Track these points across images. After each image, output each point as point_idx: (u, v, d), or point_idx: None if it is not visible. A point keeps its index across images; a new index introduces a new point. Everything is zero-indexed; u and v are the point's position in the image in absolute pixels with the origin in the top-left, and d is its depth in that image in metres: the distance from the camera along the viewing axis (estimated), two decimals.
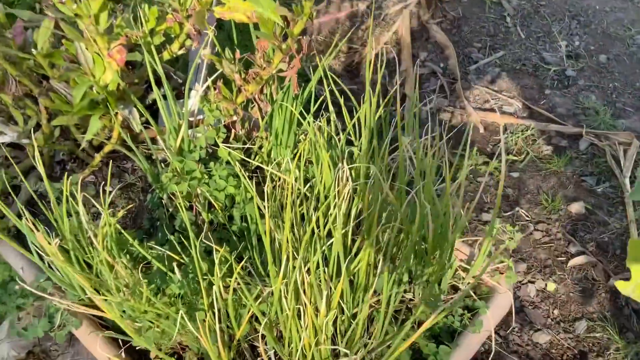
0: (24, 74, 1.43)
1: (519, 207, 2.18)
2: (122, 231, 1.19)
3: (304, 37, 1.10)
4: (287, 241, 1.01)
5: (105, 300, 1.07)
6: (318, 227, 1.12)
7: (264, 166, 1.34)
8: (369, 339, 1.17)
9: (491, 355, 1.78)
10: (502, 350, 1.84)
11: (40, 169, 1.14)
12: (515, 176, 2.29)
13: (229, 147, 1.36)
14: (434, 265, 1.16)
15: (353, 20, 3.06)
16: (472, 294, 1.27)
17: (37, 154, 1.14)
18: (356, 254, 1.15)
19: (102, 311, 1.14)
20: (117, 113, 1.33)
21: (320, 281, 1.07)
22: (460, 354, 1.19)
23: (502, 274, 1.29)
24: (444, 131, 1.38)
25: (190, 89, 1.33)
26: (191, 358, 1.19)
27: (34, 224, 1.12)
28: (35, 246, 1.21)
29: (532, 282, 2.01)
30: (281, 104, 1.32)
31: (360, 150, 1.31)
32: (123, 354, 1.21)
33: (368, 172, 1.25)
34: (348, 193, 1.09)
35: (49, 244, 1.06)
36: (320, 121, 1.32)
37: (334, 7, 3.08)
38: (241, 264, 1.07)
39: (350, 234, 1.17)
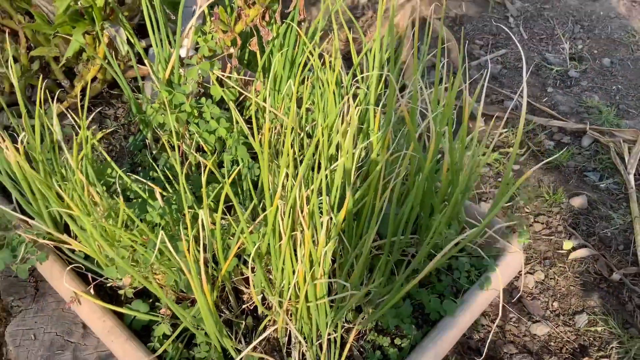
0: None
1: (519, 198, 2.09)
2: (101, 150, 1.07)
3: None
4: (287, 154, 0.90)
5: (78, 216, 0.94)
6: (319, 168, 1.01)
7: (261, 102, 1.23)
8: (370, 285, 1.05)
9: (490, 335, 1.67)
10: (499, 339, 1.72)
11: (18, 96, 1.01)
12: (515, 168, 2.20)
13: (222, 77, 1.25)
14: (443, 211, 1.05)
15: (353, 12, 3.01)
16: (481, 252, 1.16)
17: (15, 81, 1.01)
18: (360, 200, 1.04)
19: (72, 241, 1.01)
20: (103, 33, 1.21)
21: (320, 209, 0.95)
22: (466, 310, 1.07)
23: (515, 232, 1.19)
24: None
25: (185, 20, 1.23)
26: (169, 294, 1.06)
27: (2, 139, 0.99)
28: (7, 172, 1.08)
29: (531, 274, 1.90)
30: (284, 35, 1.22)
31: (367, 91, 1.20)
32: (92, 291, 1.07)
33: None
34: (353, 121, 0.98)
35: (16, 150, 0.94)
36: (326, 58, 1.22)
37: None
38: (230, 182, 0.94)
39: (353, 172, 1.06)
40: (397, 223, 1.03)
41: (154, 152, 1.33)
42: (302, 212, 0.89)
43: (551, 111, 2.41)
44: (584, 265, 1.90)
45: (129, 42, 1.23)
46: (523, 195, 1.23)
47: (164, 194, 1.10)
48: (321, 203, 0.96)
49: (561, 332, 1.75)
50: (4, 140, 0.96)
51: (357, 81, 1.28)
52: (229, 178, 0.90)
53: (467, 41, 2.79)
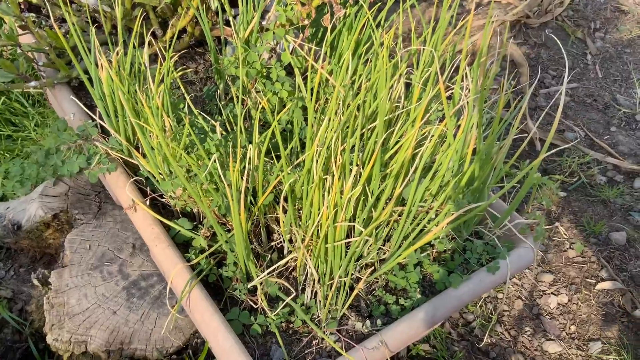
0: None
1: (559, 224, 2.13)
2: (179, 82, 1.23)
3: None
4: (330, 111, 1.03)
5: (145, 127, 1.10)
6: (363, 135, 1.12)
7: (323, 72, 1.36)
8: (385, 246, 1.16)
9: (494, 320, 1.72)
10: (510, 347, 1.78)
11: (119, 15, 1.20)
12: (561, 195, 2.24)
13: (292, 41, 1.40)
14: (467, 190, 1.15)
15: (434, 25, 3.10)
16: (496, 241, 1.25)
17: (119, 22, 1.19)
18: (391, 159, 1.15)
19: (139, 156, 1.18)
20: None
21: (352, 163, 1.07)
22: (469, 286, 1.16)
23: (532, 230, 1.26)
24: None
25: None
26: (208, 224, 1.21)
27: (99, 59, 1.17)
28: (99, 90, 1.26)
29: (555, 295, 1.94)
30: (355, 14, 1.35)
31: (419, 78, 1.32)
32: (147, 203, 1.24)
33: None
34: (398, 88, 1.10)
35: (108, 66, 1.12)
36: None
37: (420, 8, 3.13)
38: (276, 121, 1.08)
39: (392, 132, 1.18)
40: (421, 188, 1.13)
41: (223, 102, 1.49)
42: (335, 161, 1.01)
43: (610, 149, 2.43)
44: (609, 297, 1.93)
45: (222, 7, 1.40)
46: (545, 196, 1.30)
47: (223, 132, 1.25)
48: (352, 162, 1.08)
49: (572, 354, 1.79)
50: (101, 58, 1.14)
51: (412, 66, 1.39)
52: (277, 116, 1.04)
53: (540, 69, 2.83)
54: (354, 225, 1.12)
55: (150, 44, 1.65)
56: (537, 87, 2.76)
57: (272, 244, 1.25)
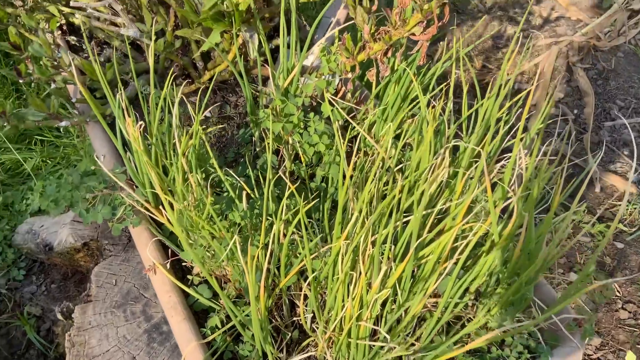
0: None
1: (613, 280, 1.97)
2: (206, 145, 1.16)
3: (447, 4, 1.02)
4: (364, 200, 0.94)
5: (170, 201, 1.04)
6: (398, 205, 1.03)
7: (361, 131, 1.27)
8: (414, 339, 1.07)
9: None
10: None
11: (150, 61, 1.13)
12: (619, 247, 2.08)
13: (334, 100, 1.30)
14: (509, 288, 1.04)
15: (496, 41, 2.94)
16: (539, 336, 1.14)
17: (151, 52, 1.13)
18: (428, 244, 1.05)
19: (162, 216, 1.12)
20: (238, 35, 1.31)
21: (382, 256, 0.98)
22: None
23: (580, 327, 1.15)
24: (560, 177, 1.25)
25: (314, 37, 1.29)
26: (230, 291, 1.15)
27: (127, 113, 1.11)
28: (123, 137, 1.21)
29: None
30: (404, 68, 1.24)
31: (466, 147, 1.21)
32: (168, 265, 1.19)
33: (469, 169, 1.15)
34: (441, 178, 0.99)
35: (134, 129, 1.06)
36: (435, 102, 1.24)
37: (481, 24, 2.96)
38: (307, 207, 1.00)
39: (429, 222, 1.07)
40: (458, 286, 1.03)
41: (257, 149, 1.42)
42: (363, 255, 0.93)
43: None
44: None
45: (260, 46, 1.32)
46: (599, 295, 1.18)
47: (252, 195, 1.18)
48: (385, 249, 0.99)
49: None
50: (129, 116, 1.08)
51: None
52: (306, 205, 0.96)
53: (607, 99, 2.63)
54: (380, 323, 1.03)
55: (190, 77, 1.59)
56: (602, 118, 2.57)
57: (295, 318, 1.18)
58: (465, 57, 1.37)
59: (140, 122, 1.03)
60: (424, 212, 0.99)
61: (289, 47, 1.37)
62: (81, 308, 1.51)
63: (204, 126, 1.47)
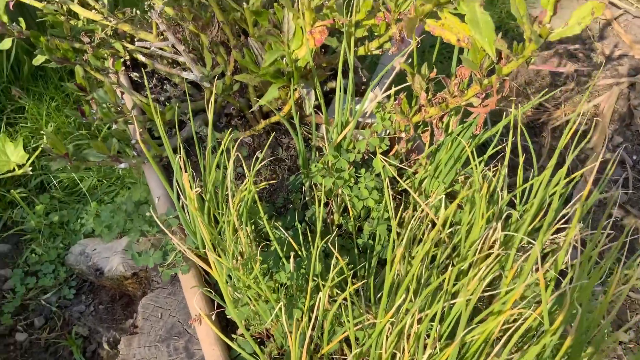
0: (228, 22, 1.48)
1: None
2: (257, 200, 1.18)
3: (507, 79, 1.01)
4: (411, 279, 0.93)
5: (218, 260, 1.06)
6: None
7: (411, 192, 1.26)
8: None
9: None
10: None
11: (209, 114, 1.16)
12: None
13: (385, 160, 1.30)
14: None
15: (554, 78, 2.87)
16: None
17: (212, 99, 1.16)
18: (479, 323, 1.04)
19: (210, 268, 1.14)
20: (295, 89, 1.32)
21: (428, 336, 0.98)
22: None
23: None
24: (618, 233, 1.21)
25: (370, 91, 1.29)
26: (272, 349, 1.16)
27: (184, 163, 1.14)
28: (178, 184, 1.24)
29: None
30: (455, 137, 1.23)
31: (520, 217, 1.18)
32: (213, 317, 1.21)
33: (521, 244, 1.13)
34: (493, 260, 0.98)
35: (191, 188, 1.08)
36: (489, 169, 1.22)
37: (539, 59, 2.90)
38: (355, 286, 1.00)
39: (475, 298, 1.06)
40: None
41: (307, 197, 1.43)
42: (407, 336, 0.92)
43: None
44: None
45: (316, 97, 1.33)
46: None
47: (299, 253, 1.19)
48: (431, 328, 0.98)
49: None
50: (186, 171, 1.11)
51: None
52: (353, 285, 0.96)
53: None
54: None
55: (246, 118, 1.62)
56: None
57: None
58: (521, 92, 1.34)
59: (196, 189, 1.05)
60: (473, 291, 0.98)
61: (345, 91, 1.37)
62: (127, 340, 1.55)
63: (255, 179, 1.49)
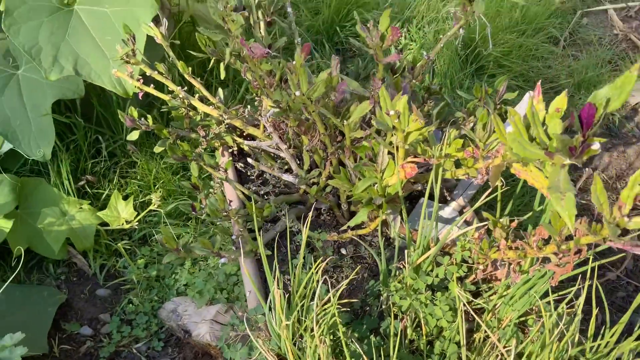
0: (327, 134, 1.62)
1: None
2: (336, 316, 1.29)
3: (584, 249, 1.07)
4: None
5: None
6: None
7: (482, 324, 1.33)
8: None
9: None
10: None
11: (304, 239, 1.29)
12: None
13: (461, 285, 1.38)
14: None
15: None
16: None
17: (305, 231, 1.29)
18: None
19: None
20: (383, 214, 1.44)
21: None
22: None
23: None
24: None
25: (454, 218, 1.38)
26: None
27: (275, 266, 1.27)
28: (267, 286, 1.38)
29: None
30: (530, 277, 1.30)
31: None
32: None
33: None
34: None
35: (280, 301, 1.22)
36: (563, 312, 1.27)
37: (633, 150, 2.86)
38: None
39: None
40: None
41: (384, 306, 1.53)
42: None
43: None
44: None
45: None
46: None
47: None
48: None
49: None
50: (278, 289, 1.24)
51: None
52: None
53: None
54: None
55: (333, 213, 1.75)
56: None
57: None
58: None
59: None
60: None
61: (431, 200, 1.46)
62: None
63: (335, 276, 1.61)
